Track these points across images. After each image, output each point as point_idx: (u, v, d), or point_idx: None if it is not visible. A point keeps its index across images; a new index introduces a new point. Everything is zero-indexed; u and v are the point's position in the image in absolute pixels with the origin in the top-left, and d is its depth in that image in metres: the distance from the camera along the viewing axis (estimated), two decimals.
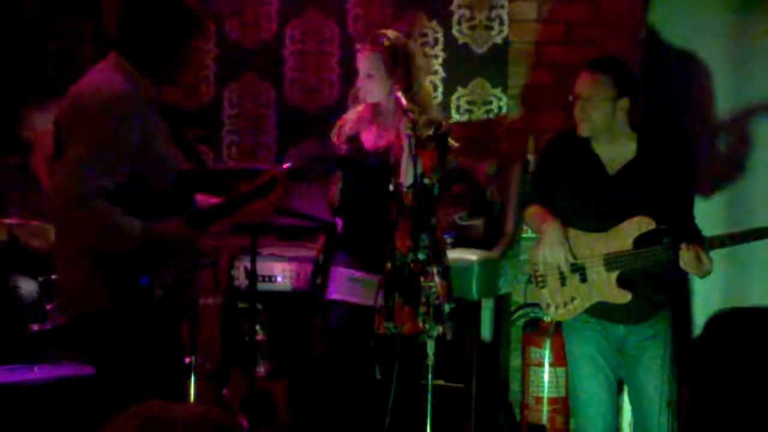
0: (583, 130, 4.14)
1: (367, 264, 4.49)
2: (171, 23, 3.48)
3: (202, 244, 3.70)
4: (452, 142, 4.61)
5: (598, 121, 4.10)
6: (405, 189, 4.46)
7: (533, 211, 4.27)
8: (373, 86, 4.54)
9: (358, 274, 4.50)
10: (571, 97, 4.14)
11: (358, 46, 4.63)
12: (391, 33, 4.62)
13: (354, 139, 4.60)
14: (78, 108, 3.40)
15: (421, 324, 4.36)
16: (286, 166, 3.85)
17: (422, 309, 4.37)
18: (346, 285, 4.53)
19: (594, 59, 4.25)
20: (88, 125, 3.35)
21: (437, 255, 4.35)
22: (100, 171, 3.29)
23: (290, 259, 5.16)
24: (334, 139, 4.67)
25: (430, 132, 4.46)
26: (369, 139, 4.59)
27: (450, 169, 5.29)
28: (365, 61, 4.55)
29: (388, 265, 4.42)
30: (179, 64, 3.55)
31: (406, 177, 4.45)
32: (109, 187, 3.30)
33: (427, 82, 4.91)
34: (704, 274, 3.99)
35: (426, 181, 4.43)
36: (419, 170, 4.24)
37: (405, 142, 4.37)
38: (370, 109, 4.62)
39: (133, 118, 3.36)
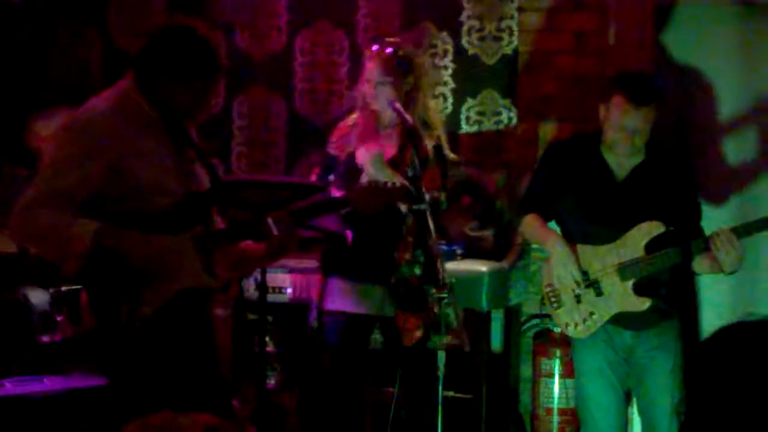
0: (623, 154, 4.07)
1: (370, 274, 4.48)
2: (187, 62, 3.48)
3: None
4: (451, 155, 4.57)
5: (641, 144, 4.07)
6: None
7: (531, 221, 4.24)
8: (384, 94, 4.43)
9: (355, 282, 4.48)
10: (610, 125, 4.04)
11: (370, 50, 4.53)
12: (400, 41, 4.60)
13: (352, 157, 4.50)
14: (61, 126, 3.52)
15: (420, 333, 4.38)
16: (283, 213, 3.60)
17: (426, 320, 4.37)
18: (341, 294, 4.51)
19: (628, 85, 4.01)
20: (56, 142, 3.48)
21: (433, 273, 4.13)
22: (52, 187, 3.35)
23: (300, 271, 5.15)
24: (334, 149, 4.58)
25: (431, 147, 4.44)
26: (362, 155, 4.49)
27: (458, 179, 5.29)
28: (380, 67, 4.46)
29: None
30: (185, 104, 3.54)
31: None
32: (65, 200, 3.34)
33: (431, 100, 4.78)
34: (736, 263, 3.94)
35: (435, 194, 4.39)
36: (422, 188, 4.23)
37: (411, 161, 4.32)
38: (371, 119, 4.54)
39: (100, 140, 3.39)
